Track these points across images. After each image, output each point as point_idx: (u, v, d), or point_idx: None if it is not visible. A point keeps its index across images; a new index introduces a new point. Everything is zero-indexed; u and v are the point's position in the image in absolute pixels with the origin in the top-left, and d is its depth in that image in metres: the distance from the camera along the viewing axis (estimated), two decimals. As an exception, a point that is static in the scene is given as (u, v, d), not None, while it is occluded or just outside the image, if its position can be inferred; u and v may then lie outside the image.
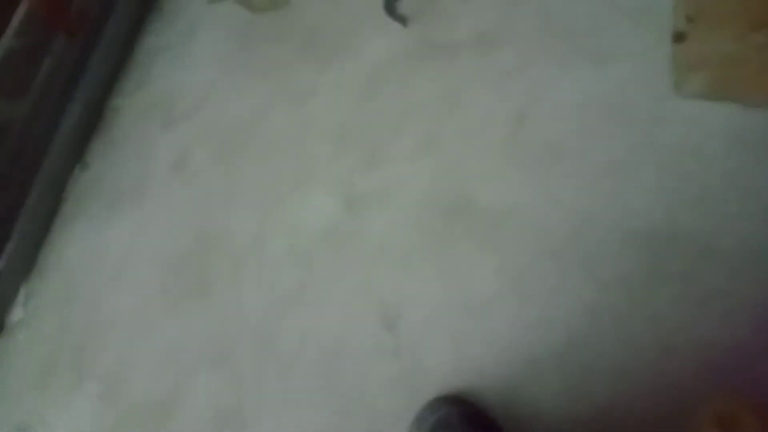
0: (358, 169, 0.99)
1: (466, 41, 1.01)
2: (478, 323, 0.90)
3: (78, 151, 1.05)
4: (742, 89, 0.89)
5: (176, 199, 1.02)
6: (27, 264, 0.99)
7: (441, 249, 0.94)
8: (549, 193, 0.92)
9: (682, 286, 0.85)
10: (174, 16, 1.13)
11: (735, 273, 0.84)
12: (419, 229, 0.95)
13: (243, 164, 1.02)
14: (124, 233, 1.01)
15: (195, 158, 1.03)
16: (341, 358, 0.91)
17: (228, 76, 1.07)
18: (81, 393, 0.95)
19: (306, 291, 0.95)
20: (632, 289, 0.87)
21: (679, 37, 0.94)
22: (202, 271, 0.98)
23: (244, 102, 1.05)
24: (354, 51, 1.05)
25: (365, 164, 0.99)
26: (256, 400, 0.92)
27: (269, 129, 1.04)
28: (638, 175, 0.93)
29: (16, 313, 0.97)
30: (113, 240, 1.01)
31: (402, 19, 1.04)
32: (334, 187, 0.99)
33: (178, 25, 1.13)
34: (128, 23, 1.11)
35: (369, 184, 0.98)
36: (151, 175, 1.04)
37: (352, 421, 0.87)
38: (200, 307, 0.96)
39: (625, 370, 0.85)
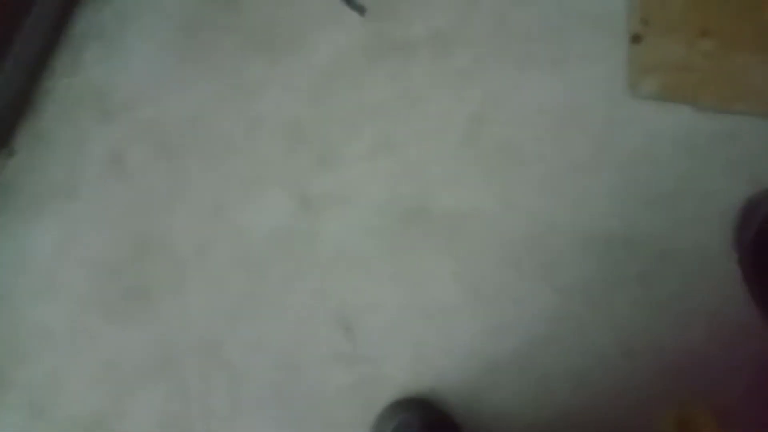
0: (311, 169, 0.94)
1: (423, 39, 0.99)
2: (437, 329, 0.88)
3: (3, 135, 0.95)
4: (692, 93, 0.92)
5: (113, 197, 0.94)
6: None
7: (399, 253, 0.91)
8: (507, 197, 0.91)
9: (641, 289, 0.87)
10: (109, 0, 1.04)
11: (691, 276, 0.86)
12: (376, 233, 0.92)
13: (187, 162, 0.95)
14: (55, 231, 0.92)
15: (134, 154, 0.96)
16: (296, 366, 0.87)
17: (171, 66, 1.00)
18: (6, 406, 0.87)
19: (257, 297, 0.90)
20: (592, 294, 0.87)
21: (635, 39, 0.95)
22: (143, 276, 0.90)
23: (188, 95, 0.98)
24: (309, 44, 1.00)
25: (319, 164, 0.94)
26: (205, 412, 0.87)
27: (216, 125, 0.97)
28: (596, 178, 0.94)
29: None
30: (42, 238, 0.92)
31: (359, 9, 1.01)
32: (287, 188, 0.94)
33: (113, 9, 1.04)
34: (57, 3, 1.01)
35: (323, 186, 0.94)
36: (85, 169, 0.95)
37: (309, 431, 0.83)
38: (142, 315, 0.89)
39: (586, 374, 0.85)
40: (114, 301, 0.90)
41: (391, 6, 1.02)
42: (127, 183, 0.95)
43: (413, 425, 0.81)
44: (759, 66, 0.92)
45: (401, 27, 1.01)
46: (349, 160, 0.96)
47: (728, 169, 0.88)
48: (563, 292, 0.87)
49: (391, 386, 0.86)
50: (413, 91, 0.98)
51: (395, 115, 0.98)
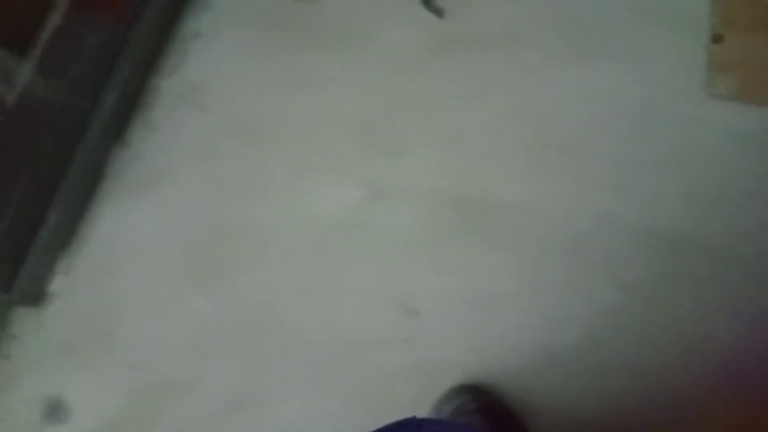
0: (380, 160, 1.00)
1: (494, 36, 1.02)
2: (497, 318, 0.92)
3: (119, 129, 1.08)
4: (774, 93, 0.89)
5: (205, 182, 1.05)
6: (68, 236, 1.03)
7: (461, 243, 0.95)
8: (573, 193, 0.93)
9: (705, 289, 0.86)
10: (212, 1, 1.15)
11: (758, 279, 0.84)
12: (439, 222, 0.96)
13: (268, 151, 1.04)
14: (158, 212, 1.04)
15: (224, 143, 1.06)
16: (361, 345, 0.93)
17: (259, 63, 1.10)
18: (110, 363, 0.99)
19: (327, 278, 0.97)
20: (655, 292, 0.87)
21: (717, 39, 0.93)
22: (227, 254, 1.01)
23: (272, 89, 1.07)
24: (383, 41, 1.06)
25: (387, 156, 1.00)
26: (275, 384, 0.95)
27: (295, 117, 1.06)
28: (666, 177, 0.93)
29: (56, 282, 1.02)
30: (147, 218, 1.04)
31: (438, 11, 1.05)
32: (357, 177, 1.00)
33: (215, 11, 1.15)
34: (168, 6, 1.13)
35: (390, 176, 1.00)
36: (183, 157, 1.07)
37: (370, 407, 0.90)
38: (224, 288, 0.99)
39: (644, 369, 0.86)
40: (201, 274, 1.00)
41: (464, 4, 1.06)
42: (217, 169, 1.06)
43: (470, 409, 0.85)
44: None
45: (473, 24, 1.05)
46: (416, 152, 1.01)
47: (808, 172, 0.85)
48: (626, 288, 0.88)
49: (450, 370, 0.91)
50: (482, 86, 1.02)
51: (463, 110, 1.01)
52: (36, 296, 0.99)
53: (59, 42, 0.99)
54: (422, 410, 0.89)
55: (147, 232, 1.04)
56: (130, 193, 1.05)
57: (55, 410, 0.98)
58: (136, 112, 1.09)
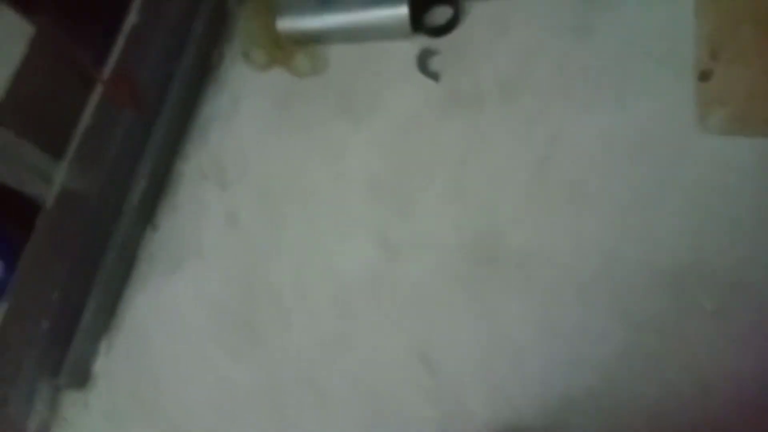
0: (392, 216, 1.06)
1: (491, 90, 1.07)
2: (514, 366, 0.94)
3: (148, 214, 1.17)
4: (764, 123, 0.90)
5: (229, 251, 1.12)
6: (107, 318, 1.11)
7: (475, 293, 0.98)
8: (576, 233, 0.96)
9: (716, 322, 0.86)
10: (225, 85, 1.24)
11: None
12: (453, 274, 1.00)
13: (287, 218, 1.11)
14: (188, 287, 1.11)
15: (246, 214, 1.13)
16: (384, 400, 0.97)
17: (273, 137, 1.17)
18: (151, 427, 1.06)
19: (348, 337, 1.01)
20: (664, 328, 0.88)
21: (703, 74, 0.96)
22: (254, 316, 1.06)
23: (287, 160, 1.15)
24: (386, 105, 1.13)
25: (399, 212, 1.05)
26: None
27: (310, 184, 1.12)
28: (665, 212, 0.95)
29: (99, 364, 1.09)
30: (179, 293, 1.12)
31: (434, 76, 1.11)
32: (372, 235, 1.05)
33: (229, 93, 1.24)
34: (188, 94, 1.23)
35: (403, 230, 1.04)
36: (209, 231, 1.14)
37: (397, 461, 0.92)
38: (252, 350, 1.05)
39: (663, 412, 0.86)
40: (230, 338, 1.06)
41: (460, 63, 1.12)
42: (240, 238, 1.13)
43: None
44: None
45: (470, 81, 1.10)
46: (426, 207, 1.05)
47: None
48: (636, 326, 0.89)
49: (473, 420, 0.93)
50: (483, 139, 1.06)
51: (466, 163, 1.06)
52: (82, 378, 1.06)
53: (90, 140, 1.09)
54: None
55: (179, 306, 1.11)
56: (162, 272, 1.13)
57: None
58: (163, 196, 1.18)
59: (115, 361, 1.09)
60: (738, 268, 0.86)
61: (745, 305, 0.85)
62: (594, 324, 0.92)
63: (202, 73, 1.27)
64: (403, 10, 1.10)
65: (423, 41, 1.14)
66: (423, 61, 1.12)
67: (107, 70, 1.11)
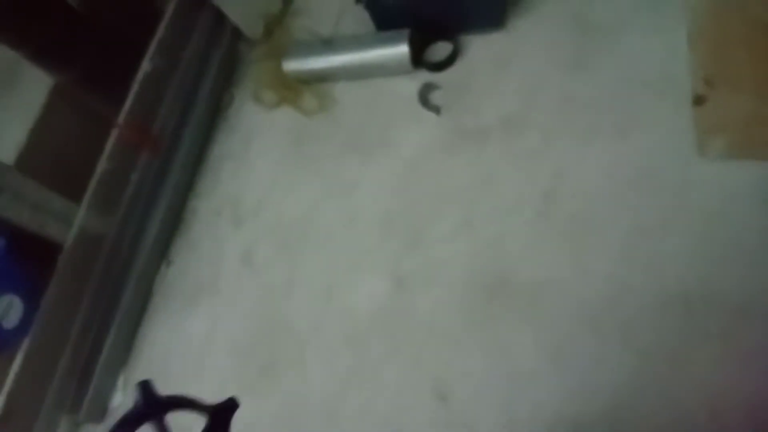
0: (403, 252, 1.08)
1: (494, 125, 1.10)
2: (525, 394, 0.95)
3: (163, 250, 1.20)
4: (763, 148, 0.91)
5: (245, 288, 1.14)
6: (124, 353, 1.13)
7: (484, 324, 1.00)
8: (582, 264, 0.97)
9: (723, 346, 0.87)
10: (237, 125, 1.28)
11: (772, 331, 0.84)
12: (463, 307, 1.02)
13: (301, 254, 1.14)
14: (204, 322, 1.14)
15: (260, 251, 1.16)
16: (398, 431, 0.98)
17: (284, 174, 1.21)
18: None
19: (363, 369, 1.03)
20: (673, 353, 0.89)
21: (699, 101, 0.98)
22: (271, 353, 1.08)
23: (299, 197, 1.18)
24: (393, 143, 1.16)
25: (408, 247, 1.07)
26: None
27: (322, 220, 1.15)
28: (668, 239, 0.96)
29: (117, 398, 1.11)
30: (195, 328, 1.14)
31: (435, 109, 1.14)
32: (383, 270, 1.08)
33: (240, 133, 1.28)
34: (200, 135, 1.27)
35: (414, 266, 1.06)
36: (225, 268, 1.17)
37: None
38: (270, 387, 1.06)
39: (673, 432, 0.86)
40: (249, 376, 1.08)
41: (464, 100, 1.15)
42: (255, 275, 1.15)
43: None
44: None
45: (474, 117, 1.13)
46: (434, 242, 1.07)
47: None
48: (644, 352, 0.90)
49: (484, 449, 0.94)
50: (488, 173, 1.09)
51: (473, 197, 1.08)
52: (100, 413, 1.09)
53: (107, 183, 1.13)
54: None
55: (195, 341, 1.13)
56: (178, 308, 1.16)
57: None
58: (178, 233, 1.22)
59: (132, 395, 1.11)
60: (743, 294, 0.87)
61: (751, 329, 0.85)
62: (604, 351, 0.92)
63: (214, 115, 1.31)
64: (403, 48, 1.14)
65: (424, 76, 1.17)
66: (424, 96, 1.15)
67: (122, 115, 1.16)
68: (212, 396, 1.08)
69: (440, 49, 1.19)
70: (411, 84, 1.18)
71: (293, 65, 1.23)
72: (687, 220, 0.95)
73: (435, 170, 1.12)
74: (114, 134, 1.15)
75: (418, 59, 1.17)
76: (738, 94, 0.96)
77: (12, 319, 1.03)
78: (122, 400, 1.11)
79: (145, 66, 1.17)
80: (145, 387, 0.50)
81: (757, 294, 0.88)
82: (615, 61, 1.07)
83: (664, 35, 1.05)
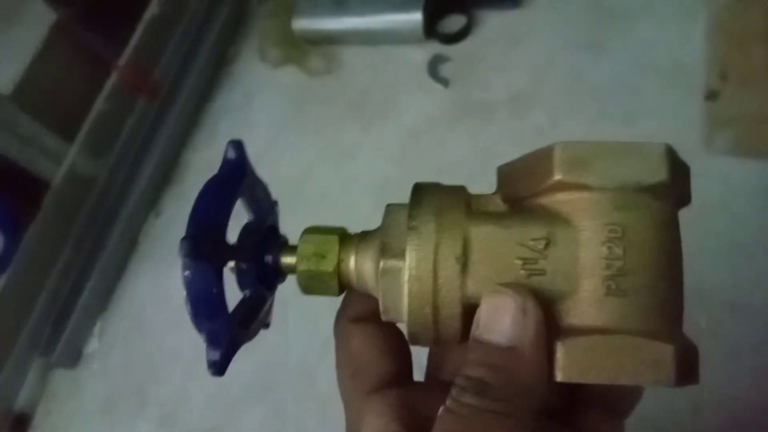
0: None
1: (501, 101, 1.08)
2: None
3: (153, 200, 1.18)
4: (773, 146, 0.90)
5: (233, 245, 1.12)
6: (103, 300, 1.11)
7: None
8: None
9: (713, 342, 0.85)
10: (239, 80, 1.26)
11: (766, 330, 0.83)
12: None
13: (292, 214, 1.09)
14: (187, 275, 1.12)
15: (251, 209, 1.14)
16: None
17: (283, 134, 1.18)
18: (143, 418, 1.05)
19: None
20: (660, 345, 0.87)
21: (712, 95, 0.96)
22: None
23: (296, 157, 1.16)
24: (397, 111, 1.14)
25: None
26: (300, 430, 0.99)
27: (317, 182, 1.13)
28: (666, 230, 0.94)
29: (92, 344, 1.10)
30: (178, 281, 1.12)
31: (444, 81, 1.12)
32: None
33: (242, 88, 1.25)
34: (200, 87, 1.24)
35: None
36: (214, 223, 1.15)
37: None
38: (249, 344, 1.04)
39: (655, 427, 0.85)
40: (228, 334, 1.06)
41: (473, 74, 1.13)
42: (244, 232, 1.13)
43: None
44: None
45: (481, 91, 1.11)
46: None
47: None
48: (632, 342, 0.89)
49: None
50: (490, 149, 1.07)
51: (472, 171, 1.05)
52: (74, 358, 1.07)
53: (102, 125, 1.10)
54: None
55: (177, 293, 1.11)
56: (161, 258, 1.14)
57: (91, 466, 1.04)
58: (169, 184, 1.19)
59: (108, 343, 1.09)
60: (738, 290, 0.86)
61: (741, 325, 0.84)
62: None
63: (217, 68, 1.29)
64: (416, 16, 1.12)
65: (435, 47, 1.15)
66: (434, 67, 1.13)
67: (124, 58, 1.13)
68: (192, 351, 1.07)
69: (454, 22, 1.16)
70: (421, 54, 1.16)
71: (302, 24, 1.21)
72: (685, 211, 0.93)
73: (437, 141, 1.10)
74: (113, 76, 1.12)
75: (430, 29, 1.15)
76: (752, 91, 0.95)
77: (-9, 252, 1.00)
78: (97, 346, 1.09)
79: (153, 9, 1.15)
80: (240, 146, 0.39)
81: (749, 291, 0.87)
82: (629, 46, 1.05)
83: (681, 23, 1.03)
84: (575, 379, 0.28)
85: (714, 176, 0.92)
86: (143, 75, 1.16)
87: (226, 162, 0.38)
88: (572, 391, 0.37)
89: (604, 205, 0.29)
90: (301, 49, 1.24)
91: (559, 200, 0.31)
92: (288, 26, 1.23)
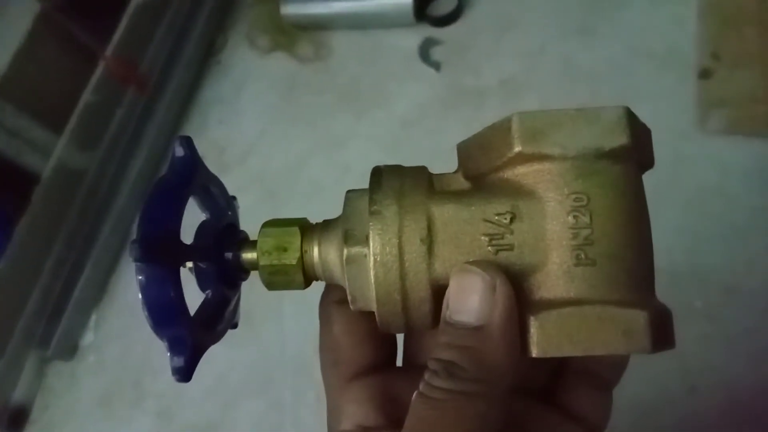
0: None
1: (493, 87, 1.07)
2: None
3: (144, 191, 1.17)
4: (765, 125, 0.90)
5: (227, 235, 1.11)
6: (98, 292, 1.11)
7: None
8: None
9: (708, 324, 0.86)
10: (228, 69, 1.24)
11: (761, 311, 0.84)
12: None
13: (285, 205, 1.11)
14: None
15: (244, 199, 1.12)
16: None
17: (274, 124, 1.17)
18: (141, 410, 1.05)
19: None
20: (655, 327, 0.88)
21: (704, 74, 0.96)
22: (247, 304, 1.05)
23: (288, 147, 1.15)
24: (388, 98, 1.13)
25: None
26: (297, 423, 0.99)
27: (311, 171, 1.12)
28: (660, 212, 0.93)
29: (88, 337, 1.09)
30: (172, 273, 1.11)
31: (435, 65, 1.11)
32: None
33: (232, 77, 1.24)
34: (189, 77, 1.23)
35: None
36: (206, 213, 1.14)
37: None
38: (247, 338, 1.04)
39: (649, 409, 0.85)
40: (224, 325, 1.06)
41: (465, 58, 1.12)
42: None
43: None
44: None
45: (473, 77, 1.10)
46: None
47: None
48: (627, 326, 0.89)
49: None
50: (483, 134, 1.06)
51: (466, 159, 1.06)
52: (70, 351, 1.07)
53: (90, 116, 1.09)
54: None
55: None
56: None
57: (89, 459, 1.04)
58: (160, 174, 1.18)
59: (104, 335, 1.09)
60: (733, 273, 0.86)
61: (736, 308, 0.85)
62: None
63: (206, 57, 1.27)
64: (406, -1, 1.10)
65: (426, 30, 1.14)
66: (425, 51, 1.12)
67: (110, 48, 1.11)
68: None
69: (444, 4, 1.15)
70: (412, 38, 1.15)
71: (290, 9, 1.19)
72: (681, 194, 0.94)
73: (429, 128, 1.09)
74: (100, 67, 1.11)
75: (421, 12, 1.13)
76: (744, 70, 0.94)
77: (-18, 247, 0.99)
78: (93, 339, 1.09)
79: (137, -2, 1.13)
80: (189, 143, 0.37)
81: (744, 273, 0.87)
82: (622, 29, 1.04)
83: (673, 6, 1.02)
84: (551, 353, 0.28)
85: (708, 158, 0.92)
86: (130, 65, 1.14)
87: (174, 160, 0.35)
88: (555, 368, 0.37)
89: (567, 174, 0.28)
90: (290, 35, 1.22)
91: (521, 173, 0.30)
92: (276, 12, 1.21)
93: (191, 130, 1.22)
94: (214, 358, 1.06)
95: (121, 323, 1.09)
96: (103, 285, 1.11)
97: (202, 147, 1.24)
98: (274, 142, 1.17)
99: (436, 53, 1.13)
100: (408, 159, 1.19)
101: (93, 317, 1.10)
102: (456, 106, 1.09)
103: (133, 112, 1.14)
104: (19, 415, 1.06)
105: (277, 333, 1.05)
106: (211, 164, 1.30)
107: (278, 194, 1.13)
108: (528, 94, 1.05)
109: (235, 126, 1.20)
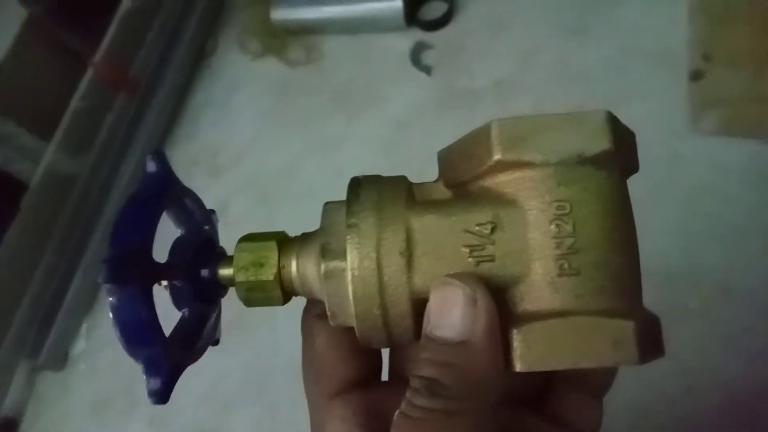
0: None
1: (486, 88, 1.07)
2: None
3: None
4: (760, 125, 0.90)
5: (220, 240, 1.10)
6: (89, 299, 1.10)
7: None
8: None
9: (704, 325, 0.86)
10: (220, 73, 1.24)
11: (758, 311, 0.83)
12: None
13: (279, 209, 1.10)
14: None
15: (236, 204, 1.12)
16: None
17: (267, 127, 1.17)
18: (134, 419, 1.04)
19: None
20: (651, 328, 0.87)
21: (696, 75, 0.96)
22: (240, 308, 1.04)
23: (281, 150, 1.14)
24: (381, 100, 1.12)
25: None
26: (292, 428, 0.98)
27: (304, 177, 1.11)
28: (656, 214, 0.94)
29: (79, 345, 1.08)
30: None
31: (426, 69, 1.11)
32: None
33: (223, 81, 1.23)
34: (180, 81, 1.22)
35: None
36: (199, 218, 1.13)
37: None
38: (240, 343, 1.04)
39: (647, 410, 0.85)
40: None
41: (457, 61, 1.11)
42: (228, 227, 1.10)
43: None
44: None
45: (466, 79, 1.10)
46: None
47: (796, 202, 0.85)
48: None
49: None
50: (476, 136, 1.06)
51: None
52: (61, 360, 1.05)
53: (79, 122, 1.08)
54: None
55: (161, 291, 1.09)
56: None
57: (82, 469, 1.03)
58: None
59: (96, 344, 1.07)
60: (729, 273, 0.86)
61: (731, 307, 0.84)
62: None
63: (196, 61, 1.26)
64: (397, 3, 1.10)
65: (417, 35, 1.14)
66: (416, 55, 1.12)
67: (100, 53, 1.10)
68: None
69: (435, 8, 1.15)
70: (403, 42, 1.14)
71: (281, 13, 1.19)
72: (676, 195, 0.93)
73: (423, 130, 1.09)
74: (90, 72, 1.10)
75: (411, 16, 1.13)
76: (736, 70, 0.94)
77: (-29, 256, 0.98)
78: (84, 347, 1.08)
79: (126, 2, 1.12)
80: (161, 157, 0.36)
81: (739, 272, 0.87)
82: (615, 29, 1.04)
83: (666, 6, 1.02)
84: (536, 367, 0.27)
85: (702, 158, 0.92)
86: (120, 70, 1.13)
87: (145, 176, 0.34)
88: (545, 378, 0.36)
89: (548, 182, 0.28)
90: (281, 39, 1.21)
91: (502, 181, 0.29)
92: (267, 16, 1.20)
93: (183, 135, 1.21)
94: (208, 364, 1.05)
95: (113, 331, 1.08)
96: (94, 292, 1.09)
97: (194, 151, 1.23)
98: (267, 146, 1.16)
99: (428, 57, 1.13)
100: (402, 161, 1.20)
101: (84, 325, 1.08)
102: (449, 108, 1.08)
103: (124, 117, 1.13)
104: (10, 426, 1.05)
105: (271, 338, 1.04)
106: (204, 168, 1.30)
107: (272, 197, 1.12)
108: (522, 94, 1.05)
109: (227, 129, 1.19)
